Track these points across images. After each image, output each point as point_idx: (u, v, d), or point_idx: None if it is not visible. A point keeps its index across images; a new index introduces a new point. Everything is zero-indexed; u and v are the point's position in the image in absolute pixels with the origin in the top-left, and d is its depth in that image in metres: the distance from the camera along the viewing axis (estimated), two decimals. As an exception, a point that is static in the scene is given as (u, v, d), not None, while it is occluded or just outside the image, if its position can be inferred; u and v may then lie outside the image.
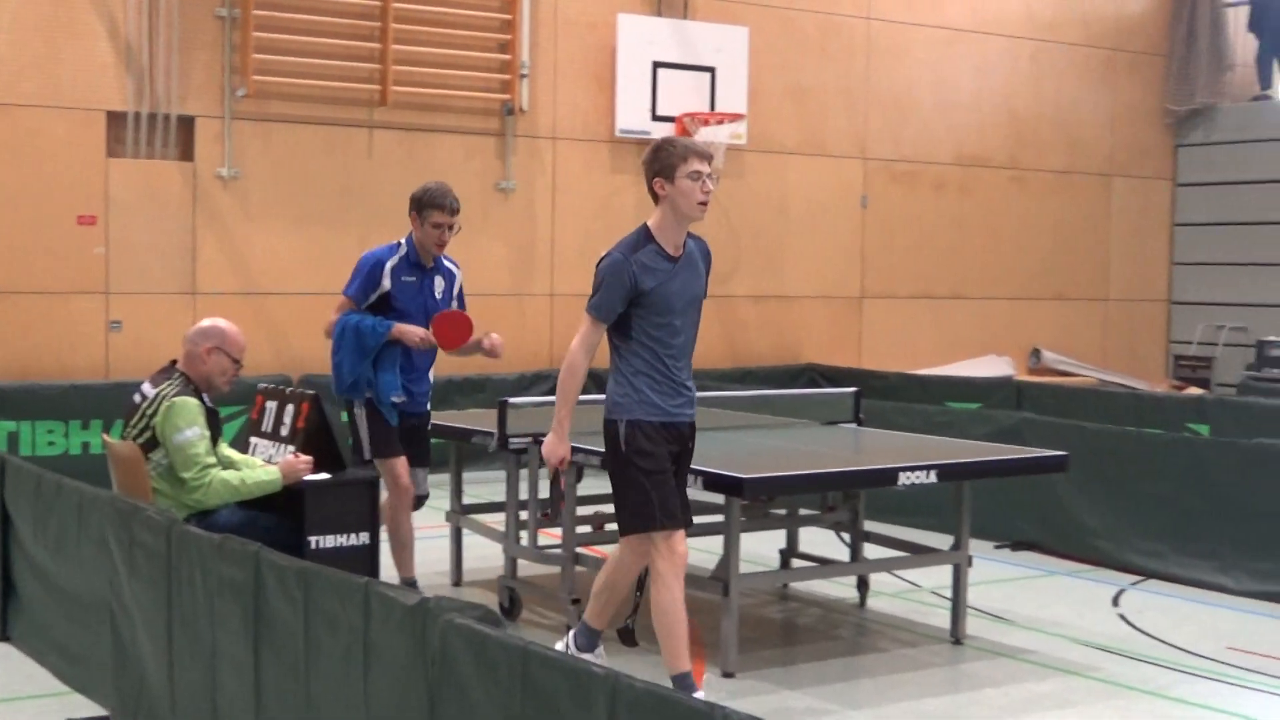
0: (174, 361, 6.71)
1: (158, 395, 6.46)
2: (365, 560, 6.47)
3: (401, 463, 7.41)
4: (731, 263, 15.17)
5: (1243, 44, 18.44)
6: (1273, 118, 17.79)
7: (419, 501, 7.63)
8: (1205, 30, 18.11)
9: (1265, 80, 18.32)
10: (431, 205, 7.44)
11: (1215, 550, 8.76)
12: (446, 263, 7.70)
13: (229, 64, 12.55)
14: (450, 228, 7.43)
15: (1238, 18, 18.36)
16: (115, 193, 12.22)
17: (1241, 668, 7.02)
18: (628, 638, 6.30)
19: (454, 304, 7.68)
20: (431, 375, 7.73)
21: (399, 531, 7.53)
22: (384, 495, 7.17)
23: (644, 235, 6.12)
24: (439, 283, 7.59)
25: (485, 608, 4.06)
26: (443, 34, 13.43)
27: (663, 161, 6.03)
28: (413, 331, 7.34)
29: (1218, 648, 7.38)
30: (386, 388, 7.36)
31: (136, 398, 6.57)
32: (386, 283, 7.40)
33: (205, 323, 6.74)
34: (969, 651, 7.26)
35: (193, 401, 6.44)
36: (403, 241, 7.53)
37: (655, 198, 6.14)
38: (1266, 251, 17.40)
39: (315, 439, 6.80)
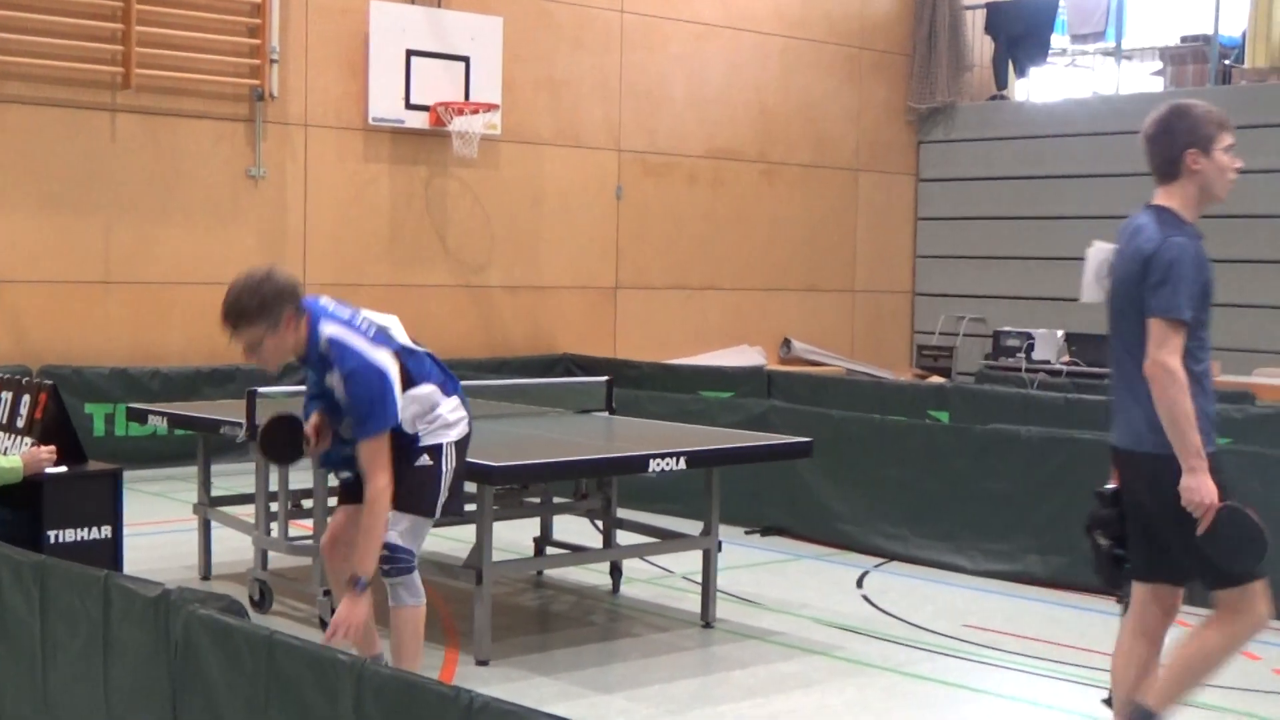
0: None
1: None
2: (107, 555, 6.31)
3: None
4: (486, 253, 15.17)
5: (981, 45, 19.14)
6: (1009, 117, 18.50)
7: None
8: (945, 31, 18.74)
9: (1001, 80, 19.05)
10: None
11: (952, 532, 9.10)
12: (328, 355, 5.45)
13: (-38, 42, 12.06)
14: (249, 347, 5.34)
15: (976, 20, 19.05)
16: None
17: (977, 644, 7.32)
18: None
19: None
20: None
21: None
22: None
23: (1173, 218, 4.99)
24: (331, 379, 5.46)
25: (229, 598, 4.02)
26: (189, 16, 13.10)
27: (1199, 132, 4.98)
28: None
29: (955, 625, 7.67)
30: None
31: None
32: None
33: None
34: (719, 634, 7.41)
35: None
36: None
37: (1168, 174, 5.04)
38: (1003, 246, 18.10)
39: (53, 430, 6.61)
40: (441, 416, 5.65)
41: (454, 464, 5.69)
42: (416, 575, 5.63)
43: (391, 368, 5.38)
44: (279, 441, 5.69)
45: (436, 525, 8.65)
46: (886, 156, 18.81)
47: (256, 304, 5.21)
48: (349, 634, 5.24)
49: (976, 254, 18.37)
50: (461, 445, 5.75)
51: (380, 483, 5.33)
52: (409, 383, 5.53)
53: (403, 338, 5.65)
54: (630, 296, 16.39)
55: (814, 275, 18.06)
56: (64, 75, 12.50)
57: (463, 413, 5.76)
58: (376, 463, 5.33)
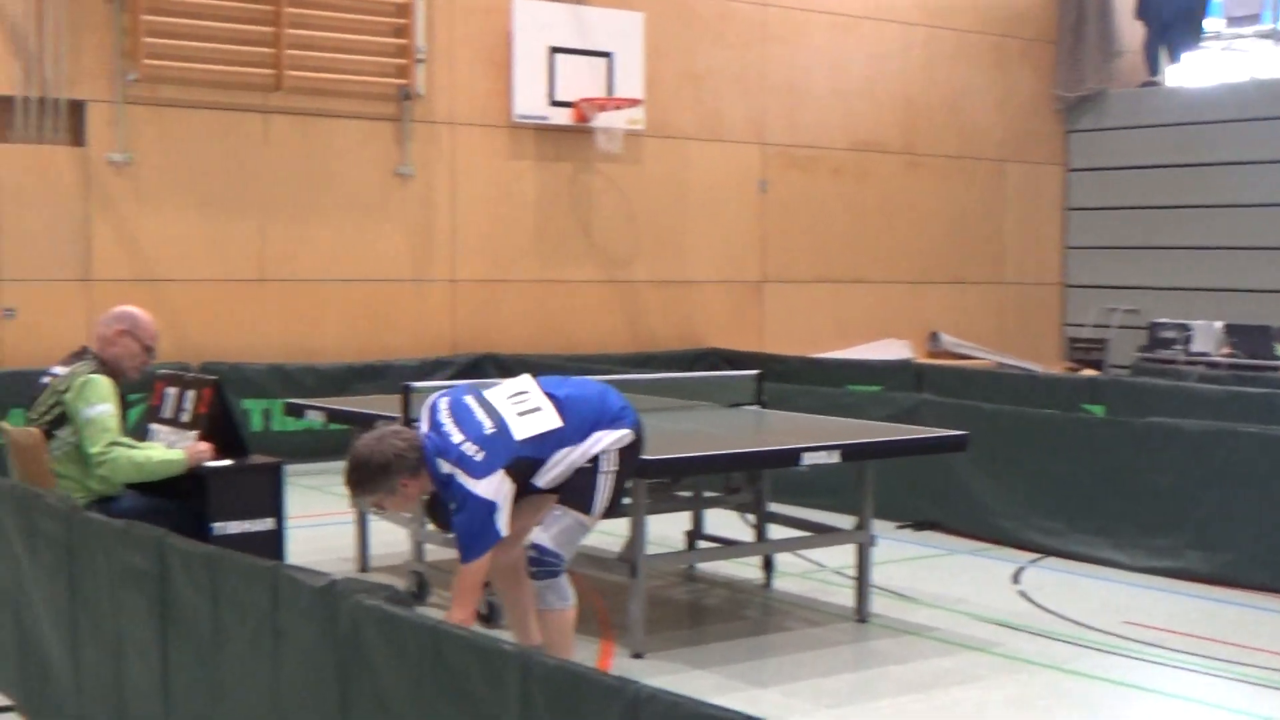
0: (85, 347, 6.65)
1: (71, 373, 6.40)
2: (271, 547, 6.42)
3: None
4: (632, 248, 15.20)
5: (1131, 31, 18.75)
6: (1160, 103, 18.11)
7: None
8: (1094, 17, 18.40)
9: (1153, 67, 18.65)
10: None
11: (1110, 527, 8.92)
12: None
13: (120, 47, 12.35)
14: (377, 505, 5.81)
15: (1125, 5, 18.67)
16: (5, 179, 11.99)
17: (1138, 641, 7.16)
18: None
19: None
20: None
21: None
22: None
23: None
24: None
25: (393, 588, 4.05)
26: (338, 18, 13.32)
27: None
28: None
29: (1115, 622, 7.52)
30: None
31: (46, 379, 6.51)
32: None
33: (119, 308, 6.70)
34: (873, 629, 7.35)
35: (108, 380, 6.38)
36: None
37: None
38: (1157, 235, 17.73)
39: (217, 425, 6.74)
40: (589, 451, 5.72)
41: (615, 465, 5.75)
42: (564, 579, 5.69)
43: (499, 492, 5.41)
44: (443, 509, 5.79)
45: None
46: (1034, 146, 18.52)
47: (368, 477, 5.45)
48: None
49: (1129, 244, 18.01)
50: (626, 451, 5.80)
51: (471, 588, 5.43)
52: (536, 467, 5.61)
53: (533, 422, 5.63)
54: (776, 290, 16.32)
55: (961, 267, 17.84)
56: (218, 79, 12.76)
57: (619, 431, 5.79)
58: (466, 590, 5.43)
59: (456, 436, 5.50)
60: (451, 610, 5.47)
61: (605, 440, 5.76)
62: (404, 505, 5.76)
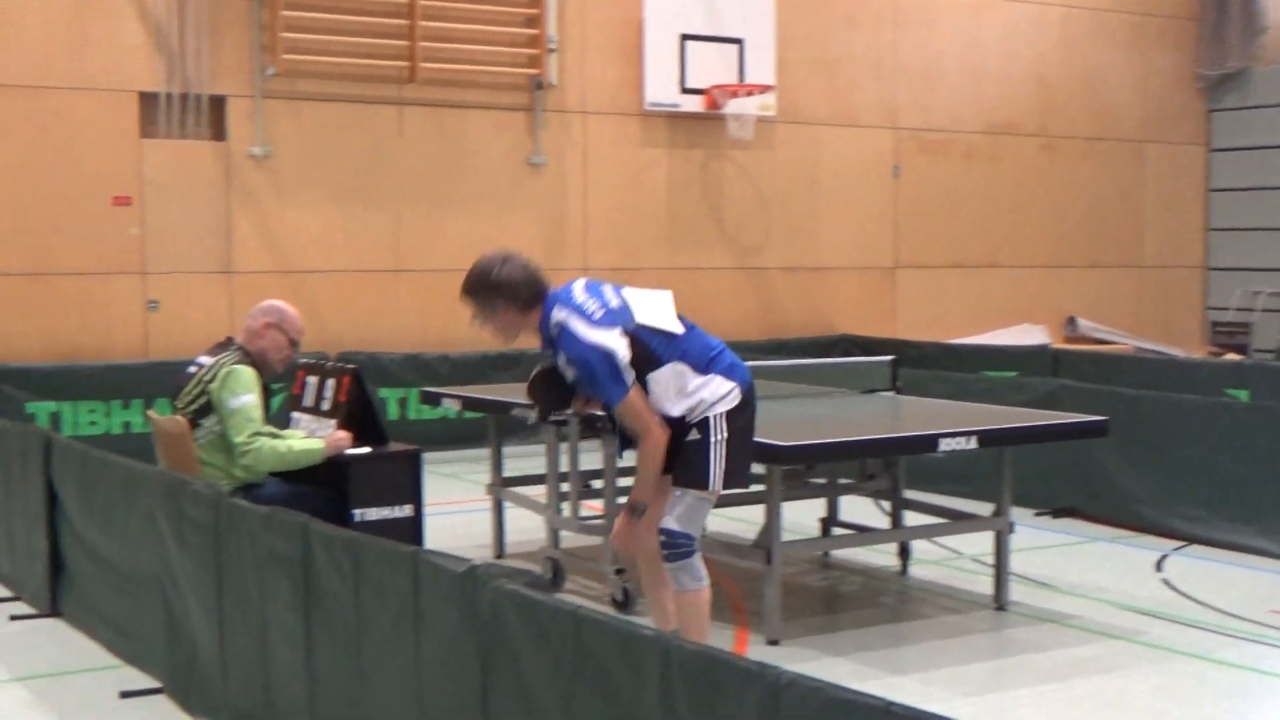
0: (230, 338, 6.79)
1: (217, 363, 6.54)
2: (410, 533, 6.52)
3: None
4: (763, 234, 15.17)
5: (1276, 6, 18.28)
6: (1307, 80, 17.66)
7: None
8: (1237, -7, 17.99)
9: (1300, 42, 18.20)
10: None
11: (1255, 515, 8.73)
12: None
13: (258, 43, 12.59)
14: (476, 317, 5.75)
15: (1270, -20, 18.23)
16: (149, 173, 12.28)
17: (1286, 630, 7.01)
18: None
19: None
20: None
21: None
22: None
23: None
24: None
25: (533, 573, 4.10)
26: (470, 9, 13.44)
27: None
28: None
29: (1261, 611, 7.36)
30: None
31: (192, 369, 6.64)
32: None
33: (267, 301, 6.83)
34: (1012, 617, 7.26)
35: (251, 371, 6.51)
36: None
37: None
38: (1304, 216, 17.31)
39: (357, 413, 6.85)
40: (701, 397, 5.55)
41: (724, 434, 5.53)
42: (697, 559, 5.60)
43: (615, 345, 5.39)
44: (548, 391, 5.71)
45: (724, 505, 8.74)
46: (1174, 126, 18.15)
47: (478, 288, 5.61)
48: (618, 544, 5.84)
49: (1274, 225, 17.57)
50: (734, 415, 5.57)
51: (647, 429, 5.41)
52: (650, 362, 5.50)
53: (658, 315, 5.59)
54: (909, 276, 16.19)
55: (1098, 251, 17.55)
56: (354, 72, 12.95)
57: (729, 384, 5.58)
58: (637, 418, 5.42)
59: (580, 295, 5.52)
60: (636, 489, 5.54)
61: (716, 390, 5.53)
62: (500, 333, 5.70)
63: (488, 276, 5.57)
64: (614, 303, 5.54)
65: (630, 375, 5.42)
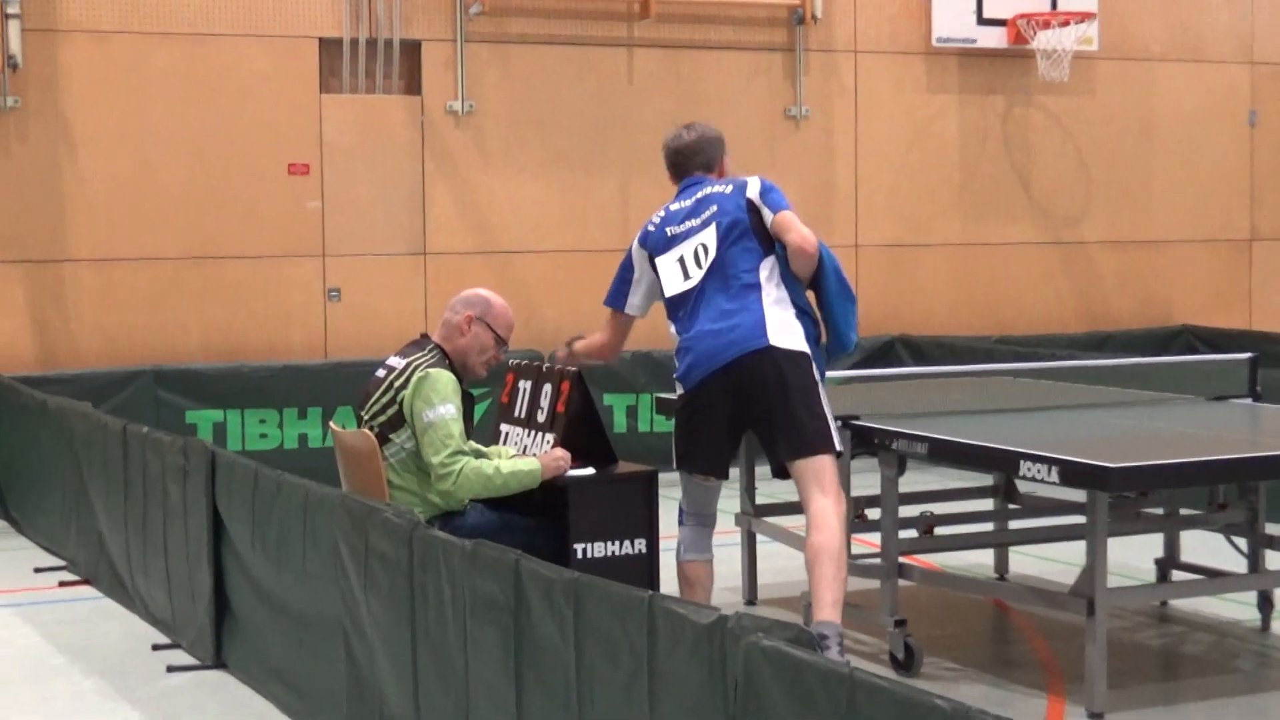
0: (425, 335, 6.90)
1: (409, 365, 6.64)
2: (643, 573, 6.56)
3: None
4: (1082, 201, 14.93)
5: None
6: None
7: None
8: None
9: None
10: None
11: None
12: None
13: (460, -25, 12.84)
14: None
15: None
16: (330, 136, 12.61)
17: None
18: None
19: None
20: None
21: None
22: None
23: None
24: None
25: (798, 627, 4.07)
26: (716, -72, 13.51)
27: None
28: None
29: None
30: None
31: (380, 372, 6.77)
32: None
33: (470, 290, 6.93)
34: None
35: (450, 375, 6.61)
36: None
37: None
38: None
39: (579, 425, 6.92)
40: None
41: (679, 404, 6.95)
42: (685, 531, 6.96)
43: None
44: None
45: (1032, 540, 8.60)
46: None
47: (712, 143, 7.30)
48: None
49: None
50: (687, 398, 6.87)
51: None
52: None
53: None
54: (1271, 251, 15.75)
55: None
56: (573, 8, 13.12)
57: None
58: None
59: None
60: None
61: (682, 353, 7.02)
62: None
63: (711, 132, 7.29)
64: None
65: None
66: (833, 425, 6.71)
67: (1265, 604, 7.97)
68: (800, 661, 3.87)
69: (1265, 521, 7.94)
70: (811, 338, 6.76)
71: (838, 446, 6.72)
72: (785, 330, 6.66)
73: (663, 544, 6.95)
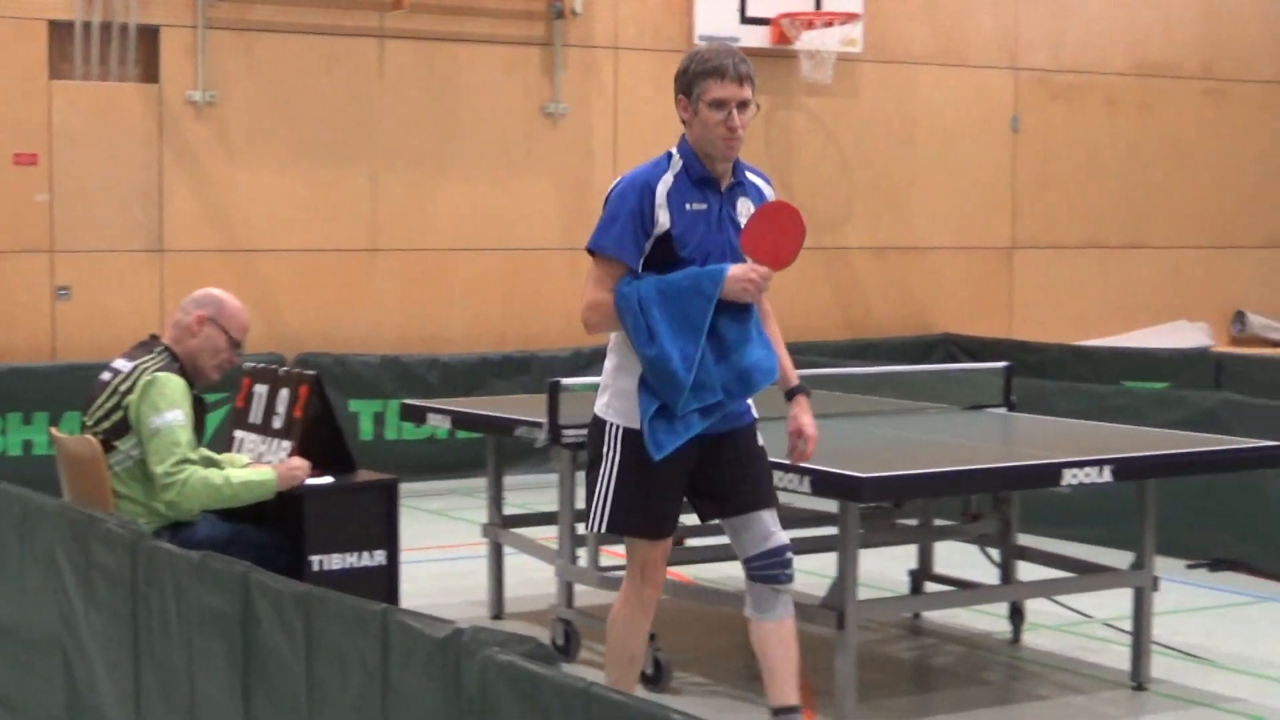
0: (155, 336, 6.80)
1: (135, 369, 6.54)
2: (381, 585, 6.54)
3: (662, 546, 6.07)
4: (844, 205, 15.17)
5: None
6: None
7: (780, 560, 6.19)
8: None
9: None
10: (704, 74, 5.81)
11: None
12: (751, 175, 6.12)
13: (201, -41, 12.69)
14: (742, 105, 5.80)
15: None
16: (61, 123, 12.38)
17: None
18: None
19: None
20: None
21: (630, 644, 6.16)
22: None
23: None
24: (744, 209, 5.99)
25: (535, 641, 4.10)
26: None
27: None
28: (737, 276, 5.79)
29: None
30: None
31: (105, 375, 6.66)
32: (664, 216, 5.82)
33: (202, 290, 6.84)
34: (1154, 700, 7.25)
35: (179, 380, 6.52)
36: (672, 151, 5.99)
37: None
38: None
39: (317, 432, 6.88)
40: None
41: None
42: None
43: None
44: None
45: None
46: (1378, 67, 18.07)
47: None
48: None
49: None
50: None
51: None
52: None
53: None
54: (1031, 259, 16.16)
55: (1277, 227, 17.46)
56: (321, -5, 13.03)
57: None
58: None
59: None
60: None
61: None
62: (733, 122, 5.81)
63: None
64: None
65: None
66: (603, 506, 5.86)
67: (1016, 616, 8.19)
68: (536, 676, 3.90)
69: (1018, 532, 8.16)
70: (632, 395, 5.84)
71: (599, 528, 5.91)
72: (600, 393, 5.99)
73: (406, 555, 6.95)
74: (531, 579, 8.85)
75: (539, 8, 13.78)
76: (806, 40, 14.38)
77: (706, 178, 5.87)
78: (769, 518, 5.98)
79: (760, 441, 6.06)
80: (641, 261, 5.78)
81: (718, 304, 5.74)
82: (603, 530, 5.89)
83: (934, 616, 8.54)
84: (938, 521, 8.48)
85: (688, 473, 5.88)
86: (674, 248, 5.78)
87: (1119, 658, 7.65)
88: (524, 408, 8.36)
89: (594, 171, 14.09)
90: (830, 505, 6.93)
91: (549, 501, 8.32)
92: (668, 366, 5.68)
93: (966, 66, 15.80)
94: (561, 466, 7.85)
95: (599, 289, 5.79)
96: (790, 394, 6.11)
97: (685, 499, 5.99)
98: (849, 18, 14.53)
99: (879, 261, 15.42)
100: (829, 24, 14.45)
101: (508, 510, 8.68)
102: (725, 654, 7.98)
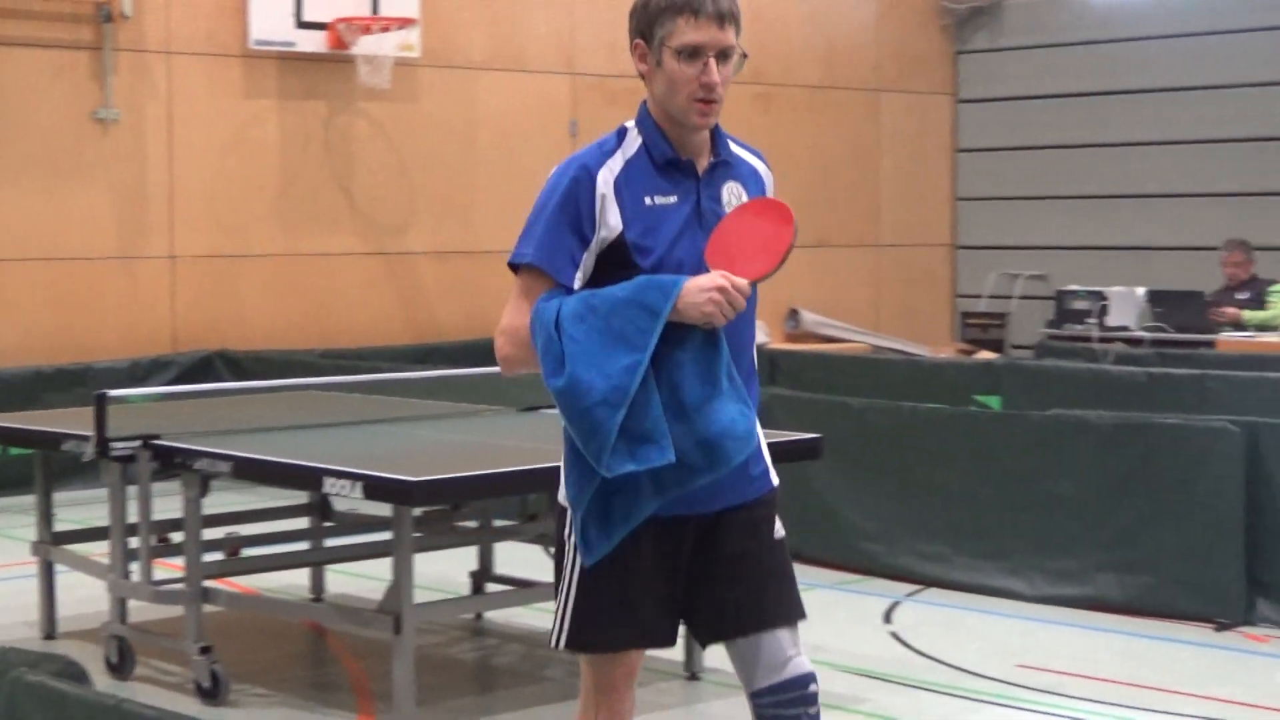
0: None
1: None
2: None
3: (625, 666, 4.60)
4: (406, 210, 15.18)
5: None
6: (1070, 17, 18.42)
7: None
8: (987, -91, 18.78)
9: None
10: (670, 10, 4.38)
11: (1006, 548, 9.12)
12: (739, 150, 4.77)
13: None
14: (723, 55, 4.42)
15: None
16: None
17: (1036, 689, 7.34)
18: None
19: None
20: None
21: None
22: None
23: None
24: (731, 196, 4.64)
25: (65, 659, 4.04)
26: (13, -84, 13.13)
27: None
28: (701, 286, 4.30)
29: (1008, 667, 7.70)
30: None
31: None
32: (612, 215, 4.37)
33: None
34: (708, 688, 7.42)
35: None
36: (628, 124, 4.55)
37: None
38: (1066, 182, 18.12)
39: None
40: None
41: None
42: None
43: None
44: None
45: (344, 559, 8.70)
46: (916, 72, 18.84)
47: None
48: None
49: (1033, 193, 18.39)
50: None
51: None
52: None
53: None
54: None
55: (826, 228, 18.06)
56: None
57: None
58: None
59: None
60: None
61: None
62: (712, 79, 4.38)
63: None
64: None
65: None
66: (561, 616, 4.49)
67: (574, 612, 8.28)
68: (65, 695, 3.84)
69: (575, 530, 8.26)
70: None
71: (557, 643, 4.50)
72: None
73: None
74: (86, 596, 8.63)
75: (87, 10, 13.44)
76: (364, 45, 14.33)
77: (675, 159, 4.45)
78: (786, 639, 4.49)
79: (779, 530, 4.59)
80: (582, 278, 4.35)
81: (674, 338, 4.26)
82: (562, 647, 4.45)
83: (496, 617, 8.59)
84: (497, 522, 8.54)
85: (677, 568, 4.47)
86: (631, 258, 4.34)
87: (672, 650, 7.80)
88: (73, 421, 8.16)
89: (148, 179, 13.80)
90: (385, 509, 6.92)
91: (100, 517, 8.13)
92: (582, 403, 4.23)
93: (525, 71, 15.95)
94: (111, 480, 7.66)
95: (516, 312, 4.46)
96: None
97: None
98: (405, 23, 14.54)
99: (442, 265, 15.46)
100: (385, 29, 14.42)
101: (59, 526, 8.45)
102: (285, 664, 7.92)
